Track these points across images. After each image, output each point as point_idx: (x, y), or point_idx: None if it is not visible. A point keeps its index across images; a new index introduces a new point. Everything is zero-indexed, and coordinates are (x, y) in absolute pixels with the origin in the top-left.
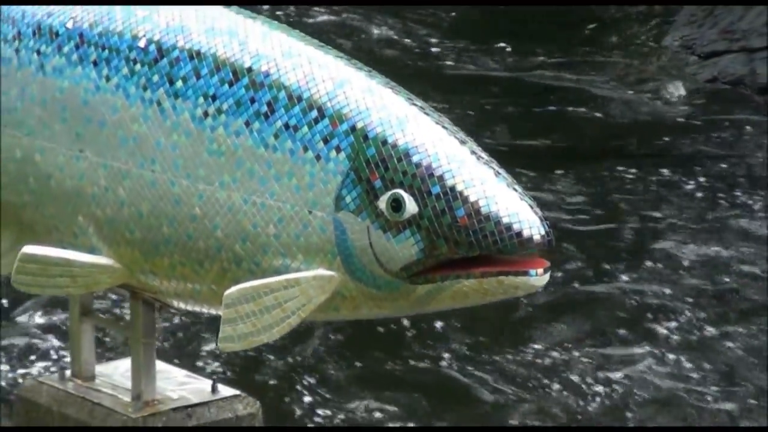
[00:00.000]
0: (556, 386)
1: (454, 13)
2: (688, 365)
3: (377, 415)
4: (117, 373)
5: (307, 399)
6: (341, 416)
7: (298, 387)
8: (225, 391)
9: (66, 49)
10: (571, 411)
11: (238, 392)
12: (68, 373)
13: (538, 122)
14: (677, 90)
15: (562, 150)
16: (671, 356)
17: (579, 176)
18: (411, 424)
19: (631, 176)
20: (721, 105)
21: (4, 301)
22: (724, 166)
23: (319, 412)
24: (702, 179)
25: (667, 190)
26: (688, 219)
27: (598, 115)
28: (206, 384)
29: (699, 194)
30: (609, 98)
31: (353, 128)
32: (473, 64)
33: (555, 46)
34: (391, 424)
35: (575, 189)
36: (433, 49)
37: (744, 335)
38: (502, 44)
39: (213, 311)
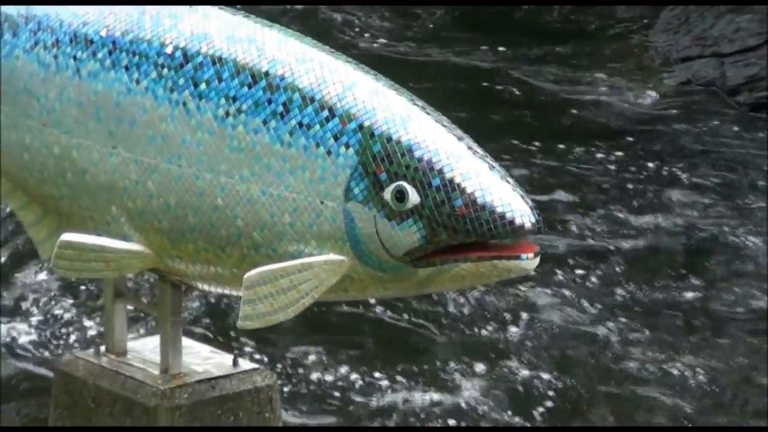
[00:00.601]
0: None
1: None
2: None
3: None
4: (147, 348)
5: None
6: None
7: None
8: (245, 364)
9: (100, 55)
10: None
11: (256, 365)
12: (102, 348)
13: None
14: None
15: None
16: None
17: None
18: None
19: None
20: (694, 104)
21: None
22: (693, 155)
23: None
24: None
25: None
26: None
27: (579, 112)
28: (228, 358)
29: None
30: (592, 100)
31: (361, 126)
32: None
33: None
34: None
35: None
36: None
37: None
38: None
39: (234, 292)
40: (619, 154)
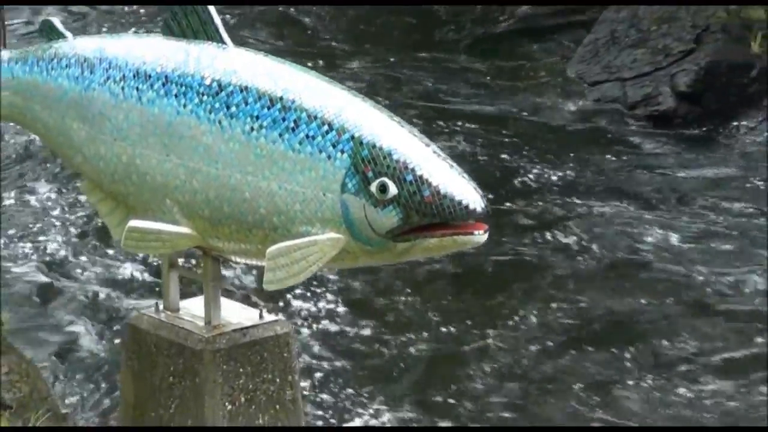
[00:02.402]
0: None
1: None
2: None
3: None
4: (194, 306)
5: None
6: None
7: None
8: (268, 317)
9: (156, 86)
10: None
11: (277, 317)
12: (161, 306)
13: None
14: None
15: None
16: None
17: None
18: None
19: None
20: (602, 118)
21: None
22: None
23: None
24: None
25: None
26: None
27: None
28: (255, 312)
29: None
30: (517, 116)
31: (352, 137)
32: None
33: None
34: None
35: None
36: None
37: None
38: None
39: (259, 263)
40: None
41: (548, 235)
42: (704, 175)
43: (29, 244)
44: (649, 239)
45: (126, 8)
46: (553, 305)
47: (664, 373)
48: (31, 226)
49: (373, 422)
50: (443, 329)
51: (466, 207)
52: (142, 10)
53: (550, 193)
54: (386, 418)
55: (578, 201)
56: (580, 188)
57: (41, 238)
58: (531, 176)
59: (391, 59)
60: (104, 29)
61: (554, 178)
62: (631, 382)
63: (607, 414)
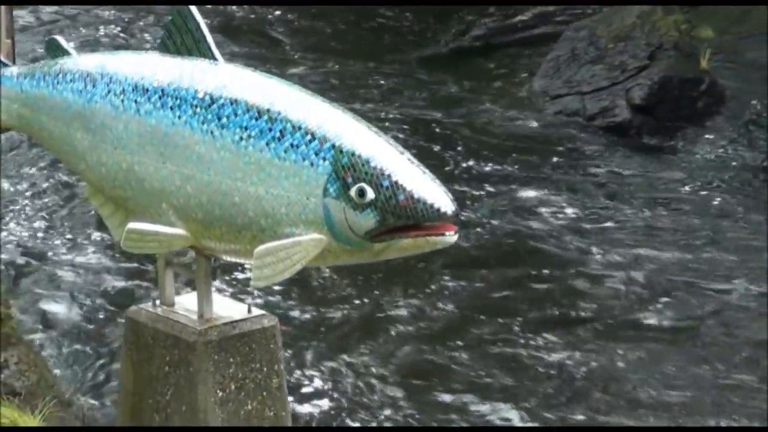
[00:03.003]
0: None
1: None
2: None
3: None
4: (188, 301)
5: None
6: None
7: None
8: (255, 311)
9: (153, 99)
10: None
11: (264, 312)
12: (157, 302)
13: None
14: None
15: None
16: None
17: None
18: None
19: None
20: (562, 128)
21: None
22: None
23: None
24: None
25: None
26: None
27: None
28: (244, 307)
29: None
30: (487, 120)
31: (333, 146)
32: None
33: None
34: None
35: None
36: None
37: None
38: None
39: (247, 261)
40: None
41: (485, 221)
42: (652, 177)
43: (33, 240)
44: (564, 222)
45: (92, 11)
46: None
47: (551, 331)
48: (33, 219)
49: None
50: (364, 300)
51: (438, 210)
52: (106, 13)
53: (497, 186)
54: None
55: (523, 194)
56: (526, 184)
57: (45, 233)
58: (485, 175)
59: (362, 70)
60: (76, 31)
61: (506, 176)
62: (522, 341)
63: (496, 361)
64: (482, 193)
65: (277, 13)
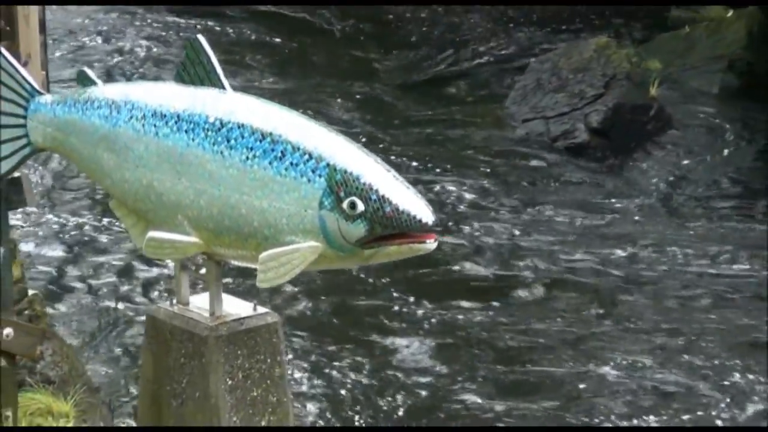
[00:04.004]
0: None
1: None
2: None
3: None
4: (200, 300)
5: None
6: None
7: None
8: (260, 309)
9: (170, 123)
10: None
11: (268, 310)
12: (174, 301)
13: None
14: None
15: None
16: None
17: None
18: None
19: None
20: (528, 148)
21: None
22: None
23: None
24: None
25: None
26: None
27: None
28: (250, 306)
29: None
30: (462, 140)
31: (328, 164)
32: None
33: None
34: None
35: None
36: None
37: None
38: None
39: (253, 265)
40: (485, 167)
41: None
42: (606, 190)
43: (65, 245)
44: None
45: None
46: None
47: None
48: (67, 226)
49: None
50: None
51: (420, 221)
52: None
53: (471, 196)
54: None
55: (494, 204)
56: (497, 194)
57: (76, 239)
58: (462, 186)
59: (338, 97)
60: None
61: (480, 187)
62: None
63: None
64: (459, 204)
65: (253, 37)
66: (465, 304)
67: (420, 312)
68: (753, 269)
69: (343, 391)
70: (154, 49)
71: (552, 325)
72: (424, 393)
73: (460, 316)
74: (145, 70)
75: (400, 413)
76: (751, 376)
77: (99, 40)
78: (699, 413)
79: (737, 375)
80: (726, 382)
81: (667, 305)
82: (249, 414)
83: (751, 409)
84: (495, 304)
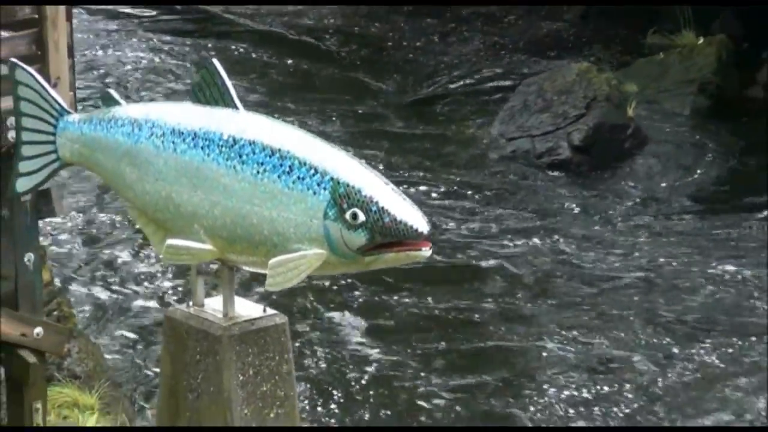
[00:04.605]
0: None
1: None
2: None
3: None
4: (215, 302)
5: None
6: None
7: None
8: (270, 311)
9: (187, 140)
10: None
11: (276, 312)
12: (191, 303)
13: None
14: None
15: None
16: None
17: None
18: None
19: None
20: (515, 164)
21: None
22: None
23: None
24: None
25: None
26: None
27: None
28: (260, 308)
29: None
30: (455, 156)
31: (332, 178)
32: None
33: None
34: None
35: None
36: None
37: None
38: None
39: (263, 271)
40: (476, 182)
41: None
42: (587, 202)
43: (90, 251)
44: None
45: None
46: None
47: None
48: (93, 236)
49: None
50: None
51: (416, 230)
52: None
53: (462, 205)
54: None
55: (485, 213)
56: (487, 205)
57: (99, 248)
58: (454, 197)
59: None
60: None
61: (472, 197)
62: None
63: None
64: (452, 212)
65: (265, 58)
66: (412, 287)
67: (362, 295)
68: (689, 264)
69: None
70: (158, 64)
71: (494, 305)
72: (369, 368)
73: (407, 300)
74: (156, 85)
75: (353, 386)
76: (675, 350)
77: (100, 52)
78: (636, 381)
79: (661, 347)
80: (653, 352)
81: (596, 289)
82: (259, 407)
83: (674, 375)
84: (445, 288)
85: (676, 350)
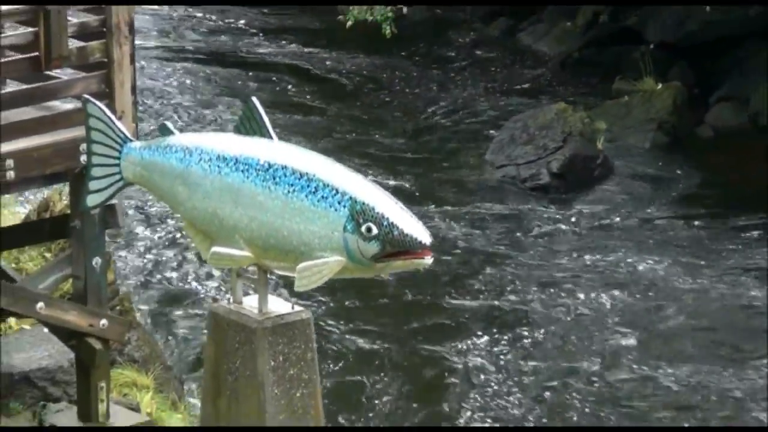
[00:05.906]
0: None
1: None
2: None
3: None
4: (251, 300)
5: None
6: None
7: None
8: (297, 307)
9: (230, 164)
10: None
11: (303, 308)
12: (231, 300)
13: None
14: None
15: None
16: None
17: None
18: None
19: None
20: (503, 188)
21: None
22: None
23: None
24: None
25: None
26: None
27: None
28: (289, 305)
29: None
30: (449, 181)
31: (350, 197)
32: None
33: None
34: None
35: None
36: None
37: None
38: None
39: (291, 274)
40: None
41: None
42: (563, 220)
43: (147, 256)
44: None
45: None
46: None
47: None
48: (151, 243)
49: None
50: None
51: (420, 241)
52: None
53: (458, 222)
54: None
55: (475, 231)
56: (477, 225)
57: (156, 253)
58: (450, 216)
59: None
60: None
61: (464, 217)
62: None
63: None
64: (451, 224)
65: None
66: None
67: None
68: (645, 270)
69: None
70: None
71: (470, 300)
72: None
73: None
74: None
75: (337, 367)
76: (623, 342)
77: (161, 87)
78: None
79: (615, 338)
80: (611, 342)
81: (564, 291)
82: (287, 388)
83: (626, 363)
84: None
85: (648, 363)
